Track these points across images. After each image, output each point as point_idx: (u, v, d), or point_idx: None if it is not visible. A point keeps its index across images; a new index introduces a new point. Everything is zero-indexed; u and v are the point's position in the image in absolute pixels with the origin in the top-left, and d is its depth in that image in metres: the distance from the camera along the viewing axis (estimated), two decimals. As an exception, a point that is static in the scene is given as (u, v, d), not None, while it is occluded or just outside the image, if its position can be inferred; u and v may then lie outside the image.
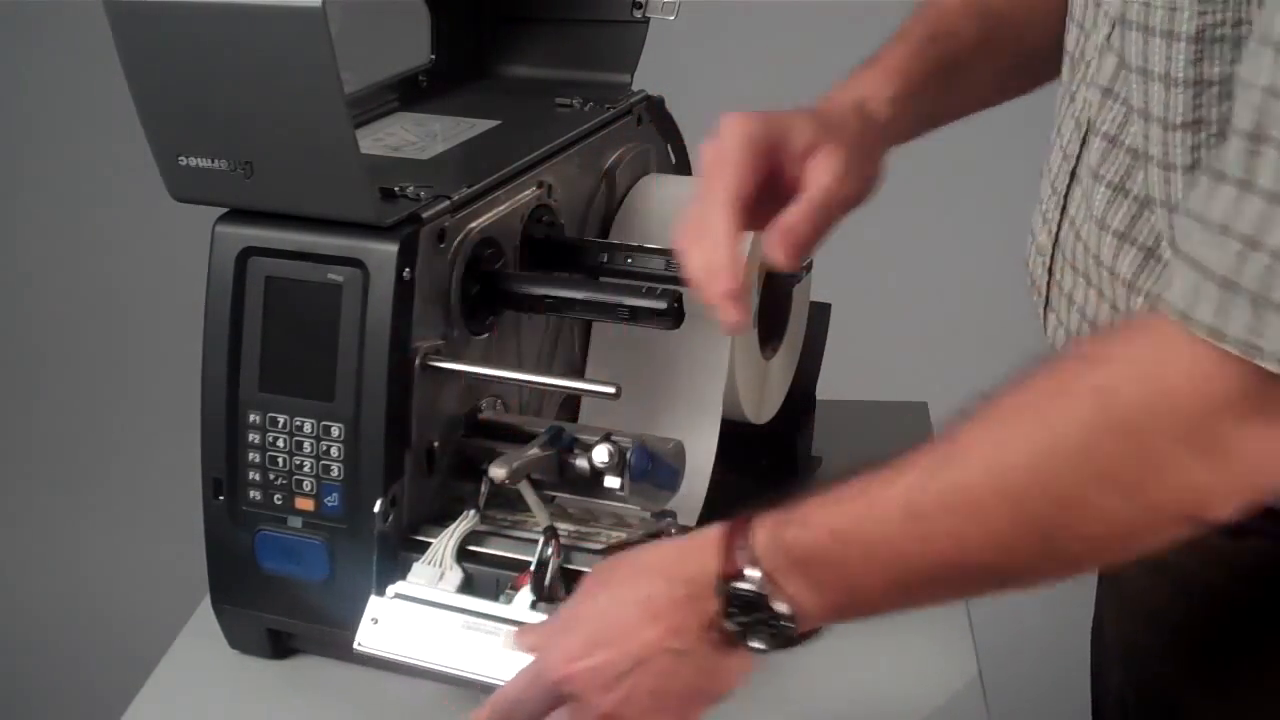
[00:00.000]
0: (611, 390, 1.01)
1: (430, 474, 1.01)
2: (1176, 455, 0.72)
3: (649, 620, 0.83)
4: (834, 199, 0.92)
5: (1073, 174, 0.92)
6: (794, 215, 0.90)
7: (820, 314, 1.29)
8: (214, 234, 1.01)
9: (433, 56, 1.28)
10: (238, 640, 1.07)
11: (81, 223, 2.77)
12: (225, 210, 1.01)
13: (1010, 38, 1.06)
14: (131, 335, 2.75)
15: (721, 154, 0.91)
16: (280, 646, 1.06)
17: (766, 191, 0.92)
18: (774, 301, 1.21)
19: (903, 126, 1.00)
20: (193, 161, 0.97)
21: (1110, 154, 0.88)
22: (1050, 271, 0.95)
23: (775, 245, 0.90)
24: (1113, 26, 0.86)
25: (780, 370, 1.24)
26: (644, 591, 0.84)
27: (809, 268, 1.23)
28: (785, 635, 0.82)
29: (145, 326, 2.70)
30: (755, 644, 0.83)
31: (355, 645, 0.96)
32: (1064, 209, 0.93)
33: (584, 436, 1.00)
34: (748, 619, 0.82)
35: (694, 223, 0.91)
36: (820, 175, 0.91)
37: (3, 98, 2.73)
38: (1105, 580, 1.06)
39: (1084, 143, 0.91)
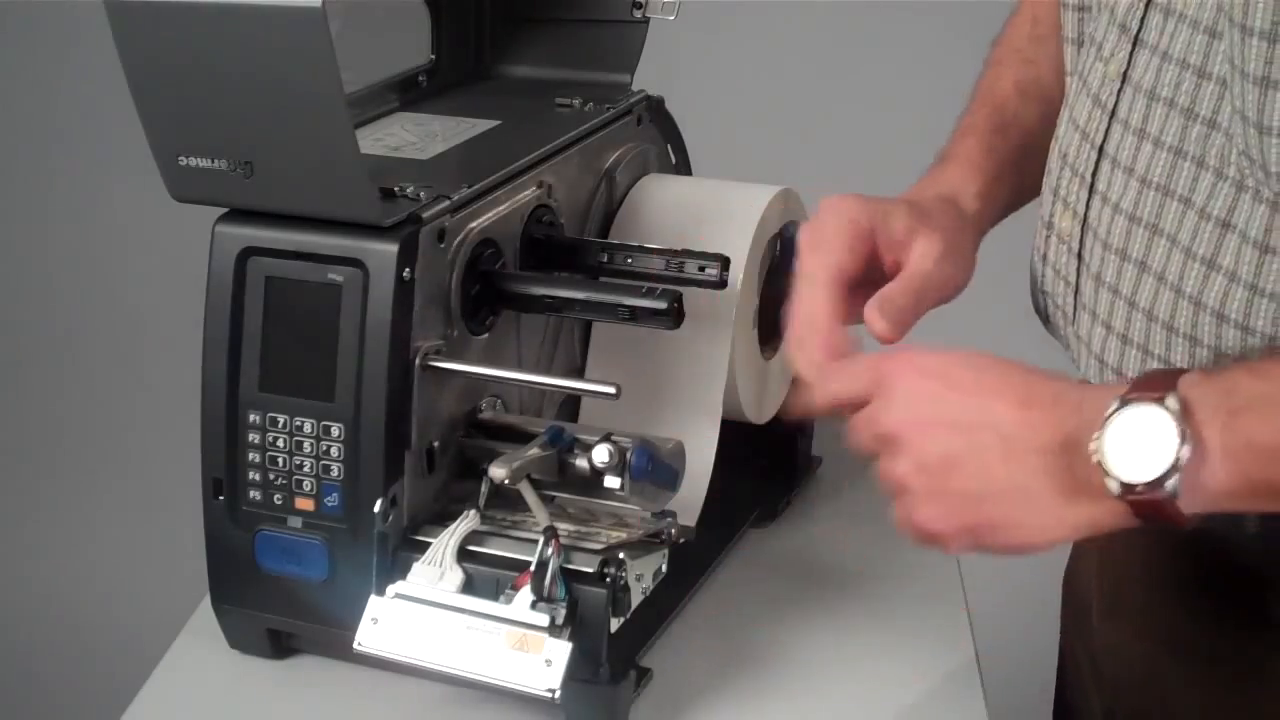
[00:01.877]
0: (611, 390, 1.01)
1: (430, 474, 1.01)
2: None
3: (1005, 395, 0.80)
4: (932, 281, 0.94)
5: (1100, 150, 0.93)
6: (894, 288, 0.93)
7: (820, 314, 1.28)
8: (214, 234, 1.01)
9: (433, 56, 1.28)
10: (238, 640, 1.07)
11: (82, 223, 2.77)
12: (225, 210, 1.01)
13: None
14: (132, 335, 2.75)
15: (822, 236, 0.94)
16: (280, 646, 1.06)
17: (865, 274, 0.95)
18: (774, 301, 1.21)
19: (988, 218, 1.03)
20: (193, 161, 0.97)
21: (1151, 108, 0.89)
22: (1080, 256, 0.95)
23: (874, 312, 0.92)
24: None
25: (780, 370, 1.24)
26: (1026, 376, 0.80)
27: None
28: (1160, 482, 0.75)
29: (145, 326, 2.71)
30: (1113, 475, 0.75)
31: (355, 645, 0.96)
32: (1092, 188, 0.94)
33: (584, 436, 1.00)
34: (1124, 442, 0.75)
35: (799, 309, 0.93)
36: (920, 259, 0.94)
37: (2, 98, 2.73)
38: (1110, 601, 1.06)
39: (1113, 114, 0.92)
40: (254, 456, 1.01)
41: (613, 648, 0.96)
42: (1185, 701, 0.98)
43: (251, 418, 1.01)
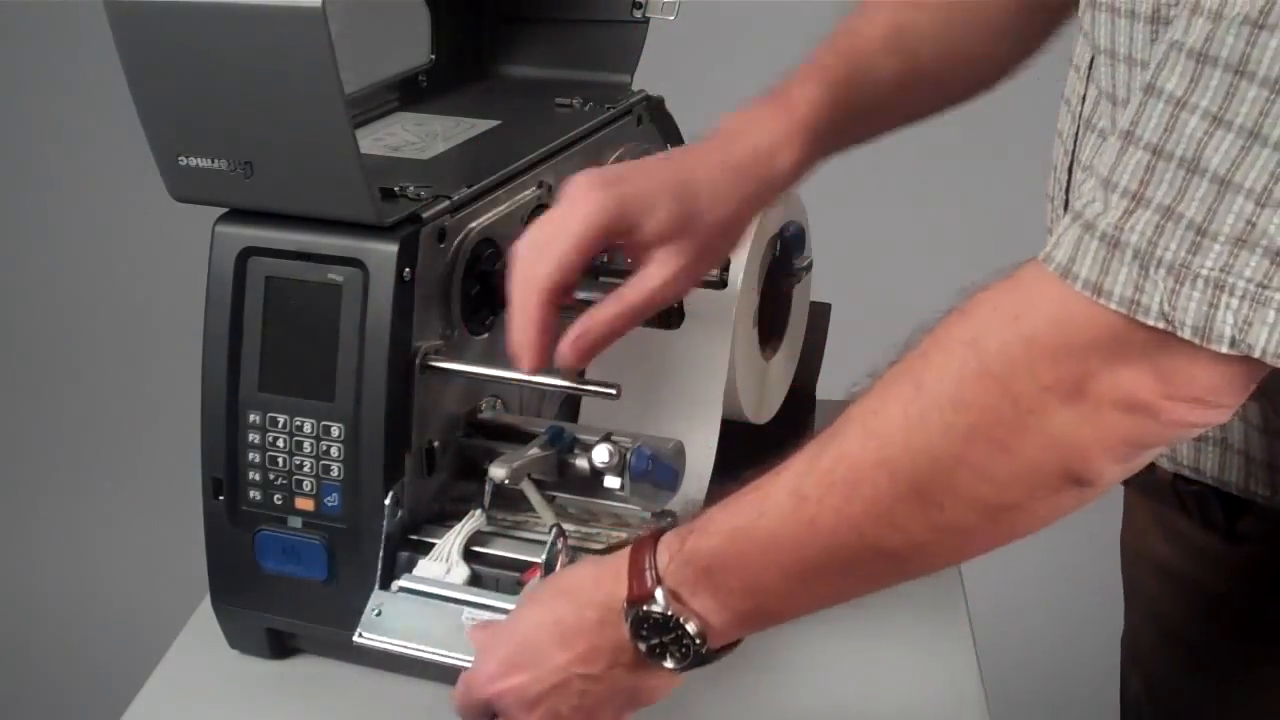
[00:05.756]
0: (611, 390, 1.01)
1: (430, 474, 1.01)
2: (1044, 402, 0.70)
3: (560, 644, 0.84)
4: (650, 306, 0.93)
5: (1070, 168, 0.93)
6: (598, 320, 0.92)
7: (820, 314, 1.29)
8: (214, 234, 1.01)
9: (433, 56, 1.28)
10: (238, 640, 1.07)
11: (82, 223, 2.77)
12: (225, 210, 1.01)
13: (929, 84, 1.04)
14: (132, 335, 2.75)
15: (556, 234, 0.91)
16: (280, 646, 1.06)
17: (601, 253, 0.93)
18: (774, 301, 1.21)
19: (801, 170, 0.99)
20: (193, 161, 0.98)
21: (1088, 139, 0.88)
22: None
23: (567, 349, 0.92)
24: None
25: (780, 370, 1.24)
26: (557, 614, 0.84)
27: (809, 268, 1.23)
28: (697, 653, 0.82)
29: (145, 326, 2.71)
30: (668, 664, 0.82)
31: (356, 636, 0.96)
32: (1066, 200, 0.93)
33: (584, 436, 1.00)
34: (658, 640, 0.82)
35: (513, 299, 0.92)
36: (645, 279, 0.93)
37: (3, 98, 2.73)
38: (1128, 590, 1.05)
39: (1077, 137, 0.91)
40: (254, 456, 1.01)
41: (613, 648, 0.96)
42: None
43: (251, 418, 1.01)
